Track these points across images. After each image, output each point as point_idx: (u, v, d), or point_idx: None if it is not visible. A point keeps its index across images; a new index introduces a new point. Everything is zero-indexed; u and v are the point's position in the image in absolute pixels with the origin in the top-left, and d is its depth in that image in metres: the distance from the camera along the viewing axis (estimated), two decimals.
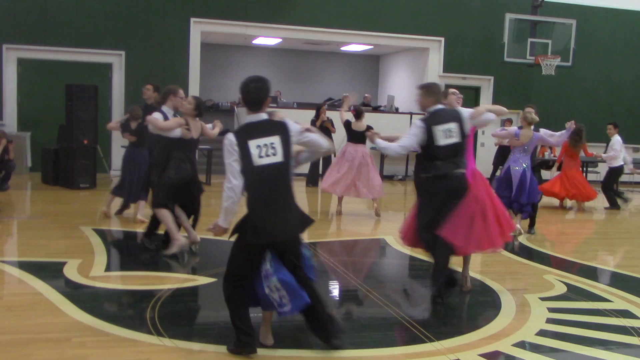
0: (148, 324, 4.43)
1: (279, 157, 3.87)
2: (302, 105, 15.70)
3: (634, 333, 4.69)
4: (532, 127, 8.15)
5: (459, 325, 4.86)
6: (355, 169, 9.22)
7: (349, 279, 6.14)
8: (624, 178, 15.57)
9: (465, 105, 5.94)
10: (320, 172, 12.74)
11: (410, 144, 5.15)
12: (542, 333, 4.62)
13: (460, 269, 5.71)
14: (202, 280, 5.72)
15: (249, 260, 3.93)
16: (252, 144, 3.83)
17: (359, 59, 19.11)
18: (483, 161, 13.68)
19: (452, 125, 5.13)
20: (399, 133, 5.89)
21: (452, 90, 6.02)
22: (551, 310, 5.17)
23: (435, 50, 15.89)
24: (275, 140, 3.88)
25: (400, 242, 5.88)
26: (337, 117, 10.18)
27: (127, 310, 4.93)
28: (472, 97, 15.69)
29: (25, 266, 5.93)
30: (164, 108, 6.60)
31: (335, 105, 14.95)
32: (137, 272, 5.96)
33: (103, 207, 8.48)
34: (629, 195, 12.57)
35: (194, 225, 6.78)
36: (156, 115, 6.45)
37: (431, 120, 5.13)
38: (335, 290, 5.88)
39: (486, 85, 16.12)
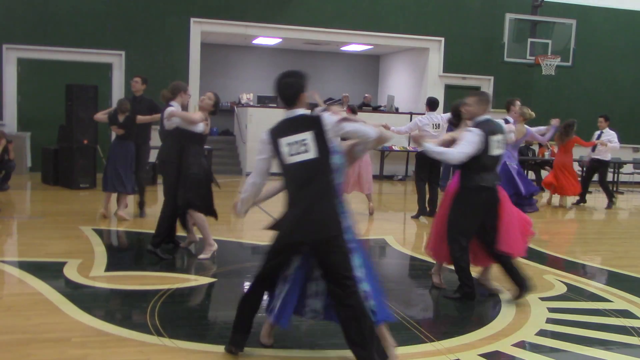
0: (148, 324, 4.43)
1: (311, 154, 3.71)
2: None
3: (634, 333, 4.69)
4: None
5: (459, 325, 4.85)
6: (356, 165, 9.25)
7: None
8: (623, 178, 15.62)
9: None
10: None
11: (471, 152, 5.02)
12: (542, 333, 4.62)
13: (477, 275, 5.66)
14: (202, 280, 5.72)
15: (277, 259, 3.83)
16: (283, 142, 3.76)
17: (359, 59, 19.10)
18: None
19: (501, 137, 5.20)
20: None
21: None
22: (551, 310, 5.17)
23: (435, 50, 15.89)
24: (308, 136, 3.72)
25: (431, 257, 5.82)
26: None
27: (127, 310, 4.92)
28: None
29: (25, 266, 5.93)
30: (174, 103, 6.53)
31: (335, 105, 14.91)
32: (137, 272, 5.97)
33: (101, 209, 8.48)
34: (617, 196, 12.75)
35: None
36: (176, 108, 6.42)
37: (488, 129, 5.10)
38: None
39: (486, 85, 16.11)
